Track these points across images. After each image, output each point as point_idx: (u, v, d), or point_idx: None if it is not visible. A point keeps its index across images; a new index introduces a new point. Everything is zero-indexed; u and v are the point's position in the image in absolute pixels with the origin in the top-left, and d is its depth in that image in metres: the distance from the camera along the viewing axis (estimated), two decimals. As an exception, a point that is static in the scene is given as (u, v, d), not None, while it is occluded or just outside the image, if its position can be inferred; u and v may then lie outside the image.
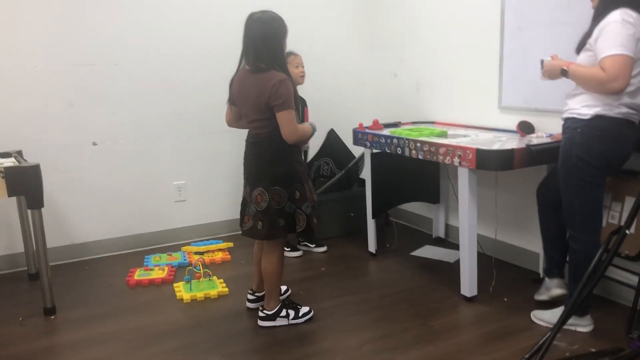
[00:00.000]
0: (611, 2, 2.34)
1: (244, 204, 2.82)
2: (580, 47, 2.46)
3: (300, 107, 3.75)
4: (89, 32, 3.75)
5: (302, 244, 4.00)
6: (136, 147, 4.01)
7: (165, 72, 4.02)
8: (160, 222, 4.16)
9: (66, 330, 2.88)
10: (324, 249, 3.95)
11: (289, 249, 3.89)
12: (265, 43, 2.58)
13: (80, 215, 3.90)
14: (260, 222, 2.66)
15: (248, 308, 3.03)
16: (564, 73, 2.47)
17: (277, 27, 2.62)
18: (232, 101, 2.79)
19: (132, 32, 3.87)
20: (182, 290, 3.26)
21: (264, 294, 2.87)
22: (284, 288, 3.09)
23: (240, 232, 2.83)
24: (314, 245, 3.97)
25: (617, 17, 2.27)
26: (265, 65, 2.58)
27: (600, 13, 2.38)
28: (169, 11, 3.97)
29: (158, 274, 3.52)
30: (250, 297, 3.04)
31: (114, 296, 3.28)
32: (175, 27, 4.00)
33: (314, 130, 2.80)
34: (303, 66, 3.71)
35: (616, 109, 2.37)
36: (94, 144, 3.88)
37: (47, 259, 3.01)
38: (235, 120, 2.86)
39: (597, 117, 2.39)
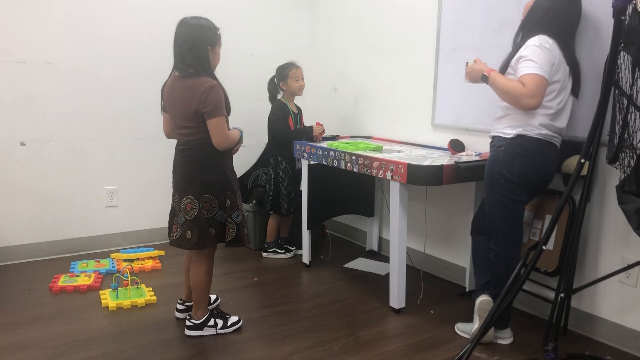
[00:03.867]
0: (530, 29, 2.52)
1: (172, 213, 2.78)
2: (503, 69, 2.59)
3: (298, 114, 3.95)
4: (20, 27, 3.63)
5: (283, 246, 4.05)
6: (67, 149, 3.88)
7: (99, 74, 3.92)
8: (89, 228, 4.04)
9: (-20, 338, 2.74)
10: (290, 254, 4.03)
11: (282, 251, 3.97)
12: (190, 48, 2.54)
13: (4, 218, 3.74)
14: (189, 231, 2.62)
15: (177, 318, 2.97)
16: (484, 79, 2.59)
17: (203, 32, 2.57)
18: (164, 109, 2.76)
19: (66, 30, 3.77)
20: (108, 298, 3.17)
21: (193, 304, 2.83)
22: (213, 297, 3.06)
23: (169, 242, 2.77)
24: (294, 248, 4.05)
25: (536, 42, 2.43)
26: (194, 71, 2.56)
27: (520, 38, 2.54)
28: (105, 11, 3.89)
29: (84, 280, 3.41)
30: (179, 306, 2.99)
31: (36, 303, 3.15)
32: (111, 28, 3.92)
33: (241, 134, 2.78)
34: (303, 79, 3.87)
35: (537, 130, 2.51)
36: (22, 144, 3.73)
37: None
38: (173, 129, 2.78)
39: (519, 137, 2.53)
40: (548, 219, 2.90)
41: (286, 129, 3.83)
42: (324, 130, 3.86)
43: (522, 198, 2.61)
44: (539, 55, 2.40)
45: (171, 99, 2.64)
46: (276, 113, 3.87)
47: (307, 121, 4.05)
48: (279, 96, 3.93)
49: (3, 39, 3.58)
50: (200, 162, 2.62)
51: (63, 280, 3.40)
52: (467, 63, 2.72)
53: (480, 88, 3.18)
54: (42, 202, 3.84)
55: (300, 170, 3.89)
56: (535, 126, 2.50)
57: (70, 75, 3.82)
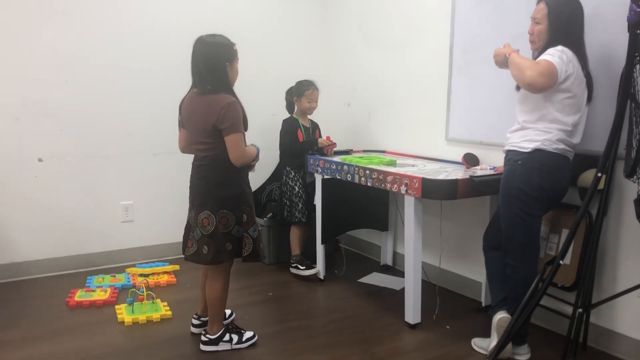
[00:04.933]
0: (556, 42, 2.49)
1: (188, 228, 2.79)
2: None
3: (310, 129, 4.01)
4: (41, 46, 3.70)
5: (292, 266, 3.95)
6: (83, 165, 3.93)
7: (115, 91, 3.98)
8: (105, 243, 4.07)
9: (0, 352, 2.77)
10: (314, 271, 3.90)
11: (303, 267, 3.88)
12: (207, 66, 2.59)
13: (21, 233, 3.78)
14: (205, 247, 2.63)
15: (192, 332, 2.98)
16: (505, 60, 2.58)
17: (221, 50, 2.62)
18: (182, 125, 2.79)
19: (84, 49, 3.84)
20: (124, 313, 3.18)
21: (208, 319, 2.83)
22: (228, 312, 3.06)
23: (184, 257, 2.78)
24: (304, 268, 3.90)
25: (558, 48, 2.45)
26: (213, 87, 2.59)
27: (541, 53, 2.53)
28: (122, 30, 3.96)
29: (100, 295, 3.43)
30: (195, 321, 2.99)
31: (52, 317, 3.17)
32: (128, 47, 3.98)
33: (258, 151, 2.80)
34: (317, 101, 3.96)
35: (554, 145, 2.49)
36: (40, 160, 3.79)
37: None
38: (188, 144, 2.81)
39: (537, 151, 2.51)
40: (565, 233, 2.87)
41: (293, 142, 3.89)
42: (335, 143, 3.87)
43: (540, 212, 2.59)
44: (559, 55, 2.42)
45: (189, 115, 2.67)
46: (285, 128, 3.96)
47: (323, 136, 4.07)
48: (295, 112, 3.98)
49: (21, 56, 3.66)
50: (217, 178, 2.64)
51: (79, 295, 3.43)
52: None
53: (493, 101, 3.19)
54: (58, 217, 3.88)
55: (312, 183, 3.90)
56: (553, 141, 2.49)
57: (87, 93, 3.88)
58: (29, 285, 3.68)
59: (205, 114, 2.57)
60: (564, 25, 2.50)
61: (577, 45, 2.50)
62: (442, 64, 3.59)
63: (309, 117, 4.04)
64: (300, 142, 3.91)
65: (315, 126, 4.10)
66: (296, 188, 3.94)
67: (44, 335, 2.95)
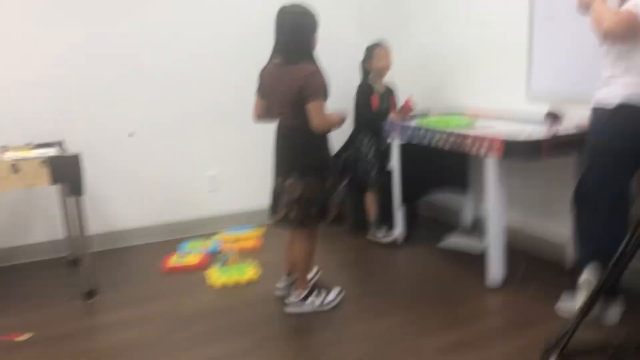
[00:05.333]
0: None
1: (275, 194, 2.90)
2: None
3: (386, 94, 3.98)
4: (130, 23, 3.91)
5: (371, 233, 4.04)
6: (170, 138, 4.14)
7: (199, 63, 4.13)
8: (194, 211, 4.29)
9: (104, 313, 3.02)
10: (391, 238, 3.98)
11: (381, 235, 3.96)
12: (295, 36, 2.66)
13: (118, 204, 4.06)
14: (293, 212, 2.74)
15: (279, 294, 3.12)
16: (588, 5, 2.48)
17: (307, 20, 2.69)
18: (261, 93, 2.87)
19: (169, 23, 4.01)
20: (215, 276, 3.37)
21: (295, 280, 2.96)
22: (314, 269, 3.16)
23: (272, 222, 2.90)
24: (381, 235, 3.99)
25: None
26: (297, 57, 2.65)
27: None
28: (200, 11, 4.10)
29: (192, 260, 3.65)
30: (281, 283, 3.13)
31: (150, 281, 3.42)
32: (211, 19, 4.12)
33: (344, 118, 2.85)
34: (387, 58, 3.89)
35: (641, 98, 2.38)
36: (130, 134, 4.02)
37: (88, 245, 3.15)
38: (263, 113, 2.90)
39: (622, 106, 2.41)
40: (657, 191, 2.74)
41: (366, 109, 3.87)
42: (412, 108, 3.82)
43: (628, 169, 2.50)
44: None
45: (272, 85, 2.75)
46: (359, 93, 3.95)
47: (400, 99, 4.03)
48: (369, 78, 3.97)
49: (113, 38, 3.87)
50: (301, 146, 2.73)
51: (173, 260, 3.65)
52: None
53: (578, 55, 3.06)
54: (150, 188, 4.13)
55: (386, 150, 3.91)
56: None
57: (172, 67, 4.07)
58: (128, 252, 3.97)
59: (289, 83, 2.64)
60: None
61: None
62: (523, 18, 3.45)
63: (384, 83, 4.02)
64: (372, 112, 3.90)
65: (390, 92, 4.07)
66: (369, 155, 3.96)
67: (144, 297, 3.19)
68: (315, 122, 2.64)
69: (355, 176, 4.05)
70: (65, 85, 3.78)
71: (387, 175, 3.94)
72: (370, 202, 4.02)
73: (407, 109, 3.80)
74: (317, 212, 2.76)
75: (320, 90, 2.63)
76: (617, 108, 2.42)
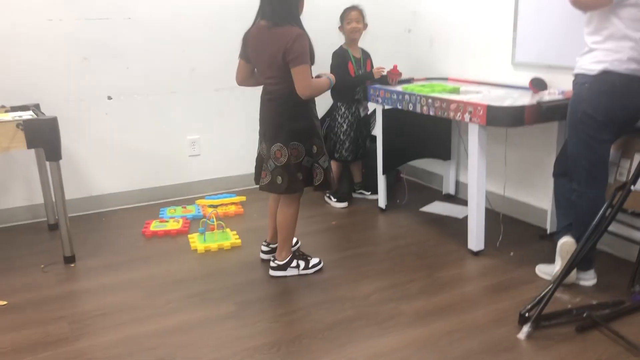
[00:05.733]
0: None
1: (260, 160, 2.88)
2: None
3: (362, 59, 3.89)
4: (102, -15, 3.77)
5: (357, 192, 4.17)
6: (150, 102, 4.05)
7: (178, 27, 4.02)
8: (175, 176, 4.25)
9: (85, 278, 3.00)
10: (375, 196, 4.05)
11: (335, 199, 4.01)
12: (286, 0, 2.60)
13: (97, 168, 3.99)
14: (279, 177, 2.72)
15: (261, 259, 3.12)
16: None
17: None
18: (245, 56, 2.81)
19: (145, -15, 3.88)
20: (197, 241, 3.36)
21: (277, 246, 2.96)
22: (294, 240, 3.18)
23: (258, 187, 2.88)
24: (369, 193, 4.12)
25: None
26: (282, 21, 2.59)
27: None
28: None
29: (173, 225, 3.62)
30: (264, 248, 3.13)
31: (131, 246, 3.39)
32: (188, -20, 4.00)
33: (331, 83, 2.80)
34: (358, 21, 3.79)
35: (625, 65, 2.37)
36: (109, 98, 3.93)
37: (66, 209, 3.11)
38: (247, 77, 2.87)
39: (604, 73, 2.40)
40: (637, 158, 2.76)
41: (345, 76, 3.79)
42: (400, 73, 3.79)
43: (608, 137, 2.51)
44: None
45: (258, 48, 2.69)
46: (335, 60, 3.87)
47: (380, 64, 3.98)
48: (344, 43, 3.91)
49: (96, 5, 3.74)
50: (287, 111, 2.69)
51: (154, 226, 3.63)
52: None
53: (563, 22, 3.03)
54: (130, 153, 4.06)
55: (366, 116, 3.89)
56: (623, 61, 2.36)
57: (150, 30, 3.94)
58: (108, 217, 3.93)
59: (274, 46, 2.58)
60: None
61: None
62: (508, -17, 3.42)
63: (360, 46, 3.95)
64: (351, 76, 3.84)
65: (367, 56, 4.00)
66: (345, 125, 3.92)
67: (124, 262, 3.17)
68: (300, 86, 2.59)
69: (327, 144, 4.04)
70: (41, 46, 3.66)
71: (372, 140, 3.93)
72: (337, 168, 4.01)
73: (395, 74, 3.76)
74: (303, 178, 2.75)
75: (304, 54, 2.57)
76: (600, 74, 2.41)
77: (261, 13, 2.68)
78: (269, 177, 2.76)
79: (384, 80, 3.77)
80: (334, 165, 4.01)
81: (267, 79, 2.71)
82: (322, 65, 4.09)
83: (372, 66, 3.97)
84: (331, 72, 3.81)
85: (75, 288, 2.90)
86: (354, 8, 3.81)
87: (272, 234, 3.08)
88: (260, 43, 2.66)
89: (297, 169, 2.72)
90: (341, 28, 3.85)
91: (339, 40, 3.93)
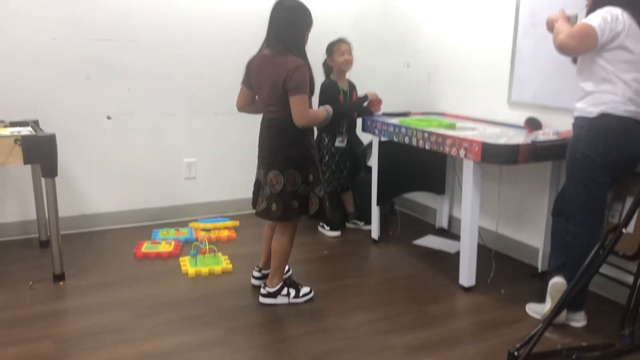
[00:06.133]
0: (602, 3, 2.46)
1: (258, 186, 2.89)
2: None
3: (348, 91, 3.93)
4: (108, 6, 3.81)
5: (351, 221, 4.17)
6: (149, 123, 4.08)
7: (181, 51, 4.07)
8: (169, 198, 4.24)
9: (74, 297, 2.97)
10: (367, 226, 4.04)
11: (329, 228, 4.01)
12: (289, 29, 2.67)
13: (93, 187, 3.99)
14: (274, 204, 2.73)
15: (252, 285, 3.10)
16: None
17: (303, 16, 2.70)
18: (247, 83, 2.85)
19: (150, 9, 3.93)
20: (188, 265, 3.34)
21: (269, 272, 2.95)
22: (286, 268, 3.17)
23: (255, 213, 2.88)
24: (362, 223, 4.12)
25: (603, 9, 2.43)
26: (285, 50, 2.64)
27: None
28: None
29: (165, 247, 3.61)
30: (255, 274, 3.12)
31: (121, 267, 3.37)
32: (194, 6, 4.05)
33: (328, 114, 2.84)
34: (350, 53, 3.84)
35: (623, 107, 2.42)
36: (109, 117, 3.96)
37: (59, 227, 3.09)
38: (247, 104, 2.90)
39: (603, 115, 2.45)
40: (629, 201, 2.79)
41: (340, 107, 3.83)
42: (380, 100, 3.84)
43: (605, 179, 2.54)
44: (602, 15, 2.39)
45: (260, 76, 2.73)
46: (325, 92, 3.88)
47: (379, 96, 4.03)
48: (332, 75, 3.94)
49: (92, 17, 3.78)
50: (285, 139, 2.71)
51: (146, 247, 3.61)
52: None
53: (559, 64, 3.09)
54: (126, 173, 4.07)
55: (341, 147, 3.94)
56: (620, 102, 2.42)
57: (153, 53, 3.99)
58: (100, 236, 3.91)
59: (276, 74, 2.62)
60: None
61: (632, 4, 2.41)
62: (507, 24, 3.49)
63: (347, 78, 3.99)
64: (344, 106, 3.87)
65: (353, 87, 4.05)
66: (327, 157, 3.96)
67: (113, 282, 3.15)
68: (297, 116, 2.62)
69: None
70: (44, 63, 3.70)
71: (346, 179, 3.99)
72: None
73: (376, 103, 3.81)
74: (298, 206, 2.76)
75: (303, 84, 2.61)
76: (598, 116, 2.46)
77: (266, 41, 2.73)
78: (264, 203, 2.77)
79: (366, 110, 3.82)
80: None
81: (268, 106, 2.75)
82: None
83: (357, 98, 4.00)
84: (321, 103, 3.86)
85: (62, 307, 2.87)
86: (343, 41, 3.85)
87: (265, 260, 3.07)
88: (263, 71, 2.70)
89: (293, 197, 2.74)
90: (330, 60, 3.89)
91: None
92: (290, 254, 2.93)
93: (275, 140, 2.74)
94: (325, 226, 4.05)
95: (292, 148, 2.72)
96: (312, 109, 2.73)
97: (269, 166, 2.74)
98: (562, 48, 2.45)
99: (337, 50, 3.82)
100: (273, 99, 2.69)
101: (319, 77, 3.88)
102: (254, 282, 3.10)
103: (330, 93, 3.86)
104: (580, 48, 2.44)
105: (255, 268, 3.13)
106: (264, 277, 3.05)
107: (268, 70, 2.67)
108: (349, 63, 3.86)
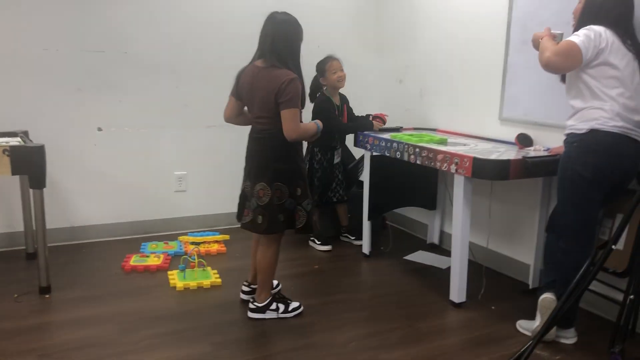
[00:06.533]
0: (587, 22, 2.50)
1: (243, 198, 2.87)
2: None
3: (340, 105, 3.96)
4: (101, 18, 3.81)
5: (343, 235, 4.17)
6: (140, 135, 4.06)
7: (172, 63, 4.07)
8: (159, 211, 4.21)
9: (59, 310, 2.93)
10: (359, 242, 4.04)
11: (319, 242, 4.00)
12: (286, 43, 2.68)
13: (81, 199, 3.96)
14: (260, 216, 2.71)
15: (241, 299, 3.07)
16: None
17: (297, 30, 2.72)
18: (236, 94, 2.84)
19: (142, 21, 3.93)
20: (176, 278, 3.31)
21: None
22: (275, 282, 3.14)
23: (240, 225, 2.87)
24: (354, 238, 4.12)
25: (587, 27, 2.47)
26: (280, 63, 2.64)
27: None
28: (181, 3, 4.03)
29: (153, 261, 3.57)
30: (244, 288, 3.09)
31: (109, 280, 3.33)
32: (186, 18, 4.06)
33: (318, 129, 2.83)
34: (342, 69, 3.86)
35: (611, 122, 2.43)
36: (99, 129, 3.94)
37: (46, 239, 3.06)
38: (235, 115, 2.89)
39: (593, 131, 2.46)
40: (619, 218, 2.79)
41: (340, 122, 3.88)
42: (383, 120, 3.88)
43: (596, 197, 2.54)
44: (585, 33, 2.43)
45: (252, 88, 2.72)
46: (321, 106, 3.87)
47: (369, 111, 4.03)
48: (323, 90, 3.94)
49: (84, 29, 3.78)
50: (274, 152, 2.70)
51: (134, 260, 3.58)
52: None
53: (550, 81, 3.11)
54: (115, 185, 4.04)
55: (337, 163, 3.94)
56: (609, 117, 2.43)
57: (145, 65, 3.99)
58: (88, 249, 3.87)
59: (268, 87, 2.62)
60: (596, 10, 2.49)
61: (616, 24, 2.46)
62: (499, 41, 3.51)
63: (340, 92, 4.01)
64: (353, 125, 3.89)
65: (344, 100, 4.05)
66: (320, 171, 3.95)
67: (101, 295, 3.10)
68: (287, 129, 2.62)
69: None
70: (35, 74, 3.68)
71: (337, 192, 3.99)
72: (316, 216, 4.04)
73: (380, 121, 3.83)
74: (284, 220, 2.74)
75: (295, 98, 2.61)
76: (588, 132, 2.47)
77: (259, 53, 2.73)
78: (250, 215, 2.76)
79: (367, 126, 3.87)
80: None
81: (257, 118, 2.74)
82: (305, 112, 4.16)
83: (348, 110, 4.03)
84: (314, 117, 3.84)
85: (47, 320, 2.83)
86: (333, 58, 3.86)
87: (254, 275, 3.04)
88: (255, 82, 2.70)
89: (279, 210, 2.72)
90: (324, 79, 3.88)
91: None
92: (280, 268, 2.91)
93: (264, 153, 2.72)
94: (316, 240, 4.03)
95: (281, 161, 2.71)
96: (302, 123, 2.72)
97: (257, 178, 2.72)
98: (548, 66, 2.48)
99: (329, 68, 3.83)
100: (264, 111, 2.68)
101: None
102: (243, 296, 3.07)
103: (324, 108, 3.86)
104: (565, 65, 2.47)
105: (245, 282, 3.10)
106: (253, 292, 3.02)
107: (261, 82, 2.66)
108: (343, 79, 3.88)
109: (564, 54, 2.42)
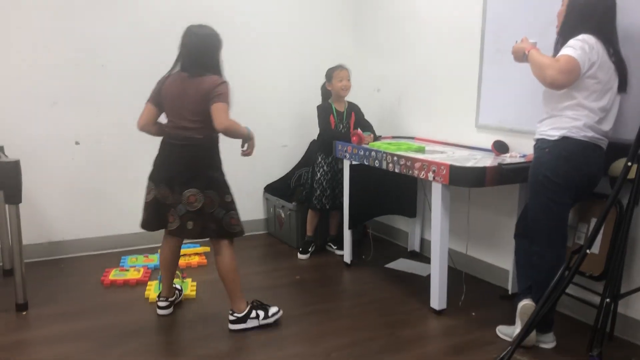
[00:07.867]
0: (570, 32, 2.51)
1: (156, 205, 2.84)
2: None
3: (345, 112, 4.02)
4: (78, 32, 3.79)
5: (327, 244, 4.23)
6: (118, 148, 4.03)
7: (149, 76, 4.01)
8: (138, 224, 4.16)
9: (37, 327, 2.89)
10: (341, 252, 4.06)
11: (335, 247, 4.12)
12: (205, 53, 2.74)
13: (59, 213, 3.91)
14: (190, 222, 2.72)
15: (160, 315, 3.02)
16: (525, 57, 2.62)
17: (216, 39, 2.78)
18: (156, 102, 2.84)
19: (120, 34, 3.92)
20: (152, 290, 3.28)
21: (175, 299, 3.00)
22: (178, 286, 3.17)
23: (165, 231, 2.86)
24: (336, 248, 4.17)
25: (579, 38, 2.45)
26: (203, 71, 2.71)
27: (561, 44, 2.53)
28: (158, 16, 4.03)
29: (133, 274, 3.54)
30: (161, 303, 3.04)
31: (88, 295, 3.29)
32: (162, 30, 4.04)
33: (249, 132, 2.86)
34: (348, 79, 3.94)
35: (582, 132, 2.48)
36: (77, 143, 3.90)
37: (22, 255, 3.02)
38: (151, 123, 2.87)
39: (564, 139, 2.50)
40: (594, 222, 2.84)
41: (327, 128, 3.92)
42: (363, 139, 3.89)
43: (567, 200, 2.58)
44: (580, 46, 2.42)
45: (178, 97, 2.73)
46: (319, 113, 3.98)
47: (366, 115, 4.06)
48: (330, 99, 4.02)
49: (61, 42, 3.76)
50: (206, 158, 2.75)
51: (113, 274, 3.54)
52: (516, 41, 2.73)
53: (524, 89, 3.16)
54: (94, 199, 4.00)
55: (339, 167, 3.95)
56: (580, 128, 2.47)
57: (122, 78, 3.96)
58: (66, 264, 3.82)
59: (200, 92, 2.66)
60: (582, 8, 2.50)
61: (602, 31, 2.48)
62: (474, 51, 3.56)
63: (346, 101, 4.05)
64: (332, 130, 3.93)
65: (352, 108, 4.07)
66: (318, 174, 4.01)
67: (78, 311, 3.07)
68: (218, 120, 2.61)
69: (304, 191, 4.10)
70: (10, 88, 3.65)
71: (338, 199, 3.99)
72: (309, 219, 4.11)
73: (361, 138, 3.84)
74: (216, 227, 2.75)
75: (226, 95, 2.66)
76: (559, 140, 2.51)
77: (180, 65, 2.77)
78: (177, 221, 2.75)
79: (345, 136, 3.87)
80: (311, 214, 4.08)
81: (183, 127, 2.72)
82: (296, 120, 4.18)
83: (358, 118, 4.06)
84: (319, 123, 3.96)
85: (24, 337, 2.78)
86: (343, 67, 3.94)
87: (169, 287, 3.04)
88: (181, 91, 2.72)
89: (209, 218, 2.74)
90: (329, 85, 3.95)
91: (309, 97, 4.01)
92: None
93: (195, 159, 2.73)
94: (332, 245, 4.15)
95: (212, 169, 2.76)
96: (236, 121, 2.73)
97: (185, 185, 2.70)
98: (553, 85, 2.46)
99: (336, 76, 3.90)
100: (196, 115, 2.69)
101: (317, 101, 3.99)
102: (161, 312, 3.03)
103: (323, 113, 3.95)
104: (569, 82, 2.44)
105: (161, 298, 3.05)
106: (171, 305, 3.03)
107: (188, 90, 2.69)
108: (346, 89, 3.95)
109: (567, 71, 2.40)
